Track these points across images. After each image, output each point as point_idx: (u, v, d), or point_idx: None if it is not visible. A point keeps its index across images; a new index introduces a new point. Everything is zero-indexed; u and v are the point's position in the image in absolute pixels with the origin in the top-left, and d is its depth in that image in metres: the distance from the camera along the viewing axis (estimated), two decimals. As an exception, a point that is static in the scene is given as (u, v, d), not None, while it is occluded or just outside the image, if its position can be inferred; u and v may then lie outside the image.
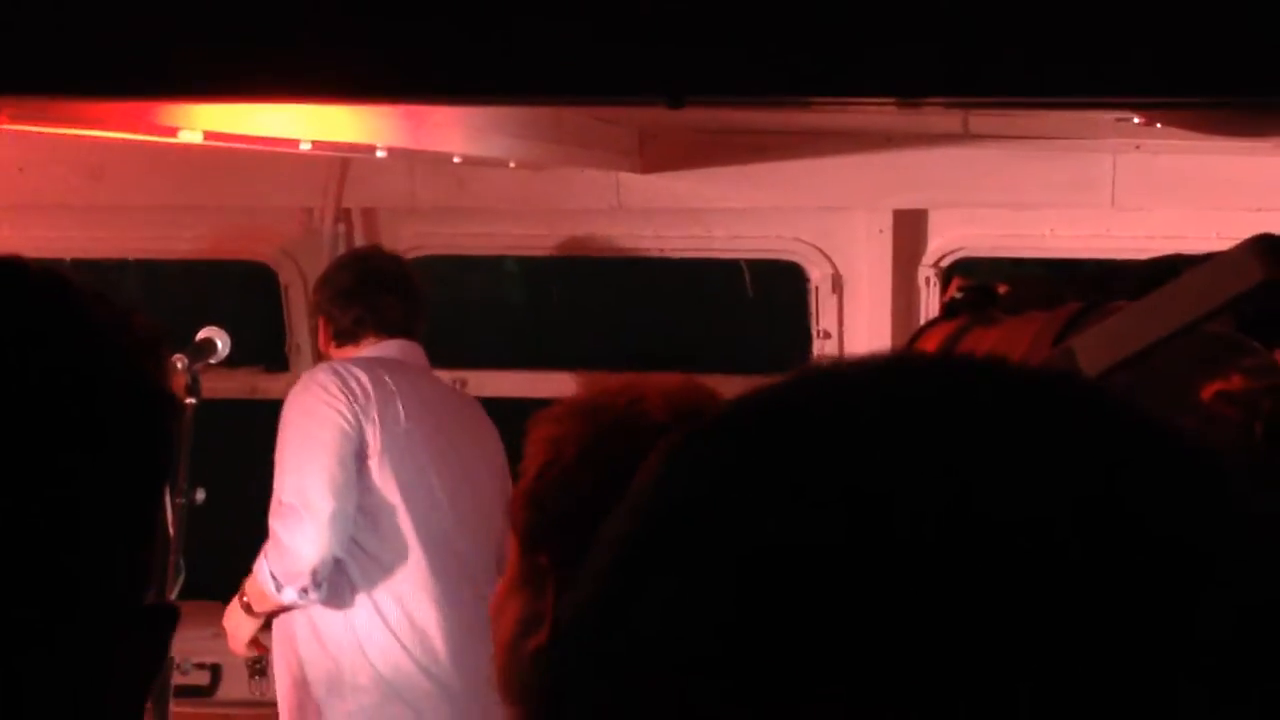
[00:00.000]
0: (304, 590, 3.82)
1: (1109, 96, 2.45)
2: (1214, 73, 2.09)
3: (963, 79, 2.13)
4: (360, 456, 3.92)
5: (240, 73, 2.09)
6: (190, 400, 3.95)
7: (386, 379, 4.01)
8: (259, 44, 2.05)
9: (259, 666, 4.24)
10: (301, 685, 4.00)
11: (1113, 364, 2.18)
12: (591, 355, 5.14)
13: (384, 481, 3.95)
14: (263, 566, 3.87)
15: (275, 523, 3.84)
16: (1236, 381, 2.19)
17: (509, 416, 5.06)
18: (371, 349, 4.13)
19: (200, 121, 2.81)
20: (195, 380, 4.00)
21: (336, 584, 3.93)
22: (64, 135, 3.43)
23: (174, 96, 2.36)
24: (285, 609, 3.94)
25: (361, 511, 3.91)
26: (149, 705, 1.02)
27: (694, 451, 0.65)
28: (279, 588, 3.83)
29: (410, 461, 3.98)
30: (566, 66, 1.75)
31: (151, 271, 5.34)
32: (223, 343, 3.95)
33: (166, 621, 1.02)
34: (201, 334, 4.09)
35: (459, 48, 1.84)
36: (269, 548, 3.86)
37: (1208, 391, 2.17)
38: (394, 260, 4.37)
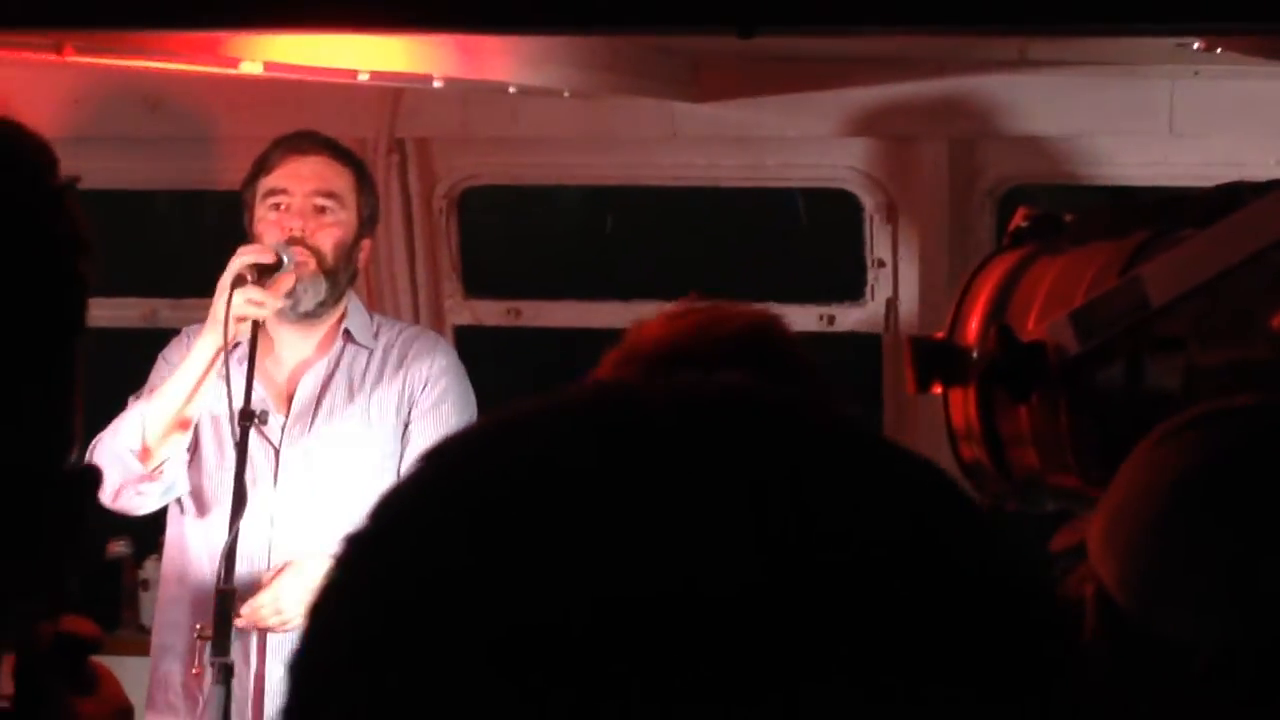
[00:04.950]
0: None
1: (1173, 23, 2.43)
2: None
3: (1024, 7, 2.12)
4: None
5: (305, 2, 2.09)
6: (254, 318, 3.77)
7: None
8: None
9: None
10: None
11: (1181, 293, 2.17)
12: (645, 285, 5.15)
13: None
14: None
15: None
16: (1305, 310, 2.18)
17: (562, 347, 5.08)
18: None
19: (261, 52, 2.81)
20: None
21: None
22: (121, 67, 3.43)
23: (239, 26, 2.37)
24: None
25: None
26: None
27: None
28: None
29: None
30: (639, -4, 1.74)
31: (208, 201, 5.36)
32: (288, 258, 3.88)
33: (88, 485, 1.00)
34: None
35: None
36: None
37: (1277, 320, 2.16)
38: None
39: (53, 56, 2.46)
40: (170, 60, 2.87)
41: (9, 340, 0.94)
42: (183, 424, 3.83)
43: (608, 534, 0.60)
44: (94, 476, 0.99)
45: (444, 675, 0.59)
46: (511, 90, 4.08)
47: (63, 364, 0.97)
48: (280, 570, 3.80)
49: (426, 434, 3.91)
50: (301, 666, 0.64)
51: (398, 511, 0.65)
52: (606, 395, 0.67)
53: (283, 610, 3.77)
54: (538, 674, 0.58)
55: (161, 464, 3.83)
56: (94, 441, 3.75)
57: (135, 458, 3.80)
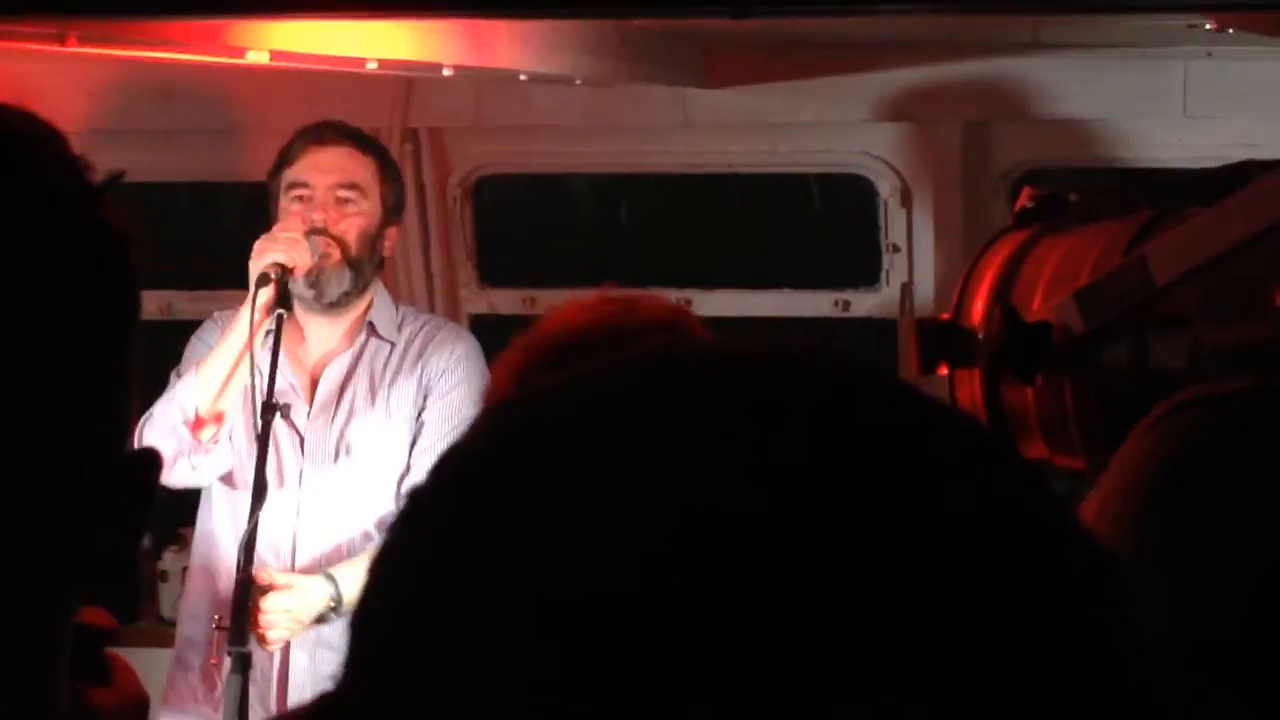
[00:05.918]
0: None
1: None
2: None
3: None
4: None
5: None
6: (280, 311, 3.79)
7: None
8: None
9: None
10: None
11: (1185, 271, 2.16)
12: (659, 272, 5.14)
13: None
14: None
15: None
16: (1311, 287, 2.17)
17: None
18: None
19: (267, 41, 2.81)
20: (285, 289, 3.82)
21: None
22: (131, 58, 3.43)
23: (243, 13, 2.37)
24: None
25: None
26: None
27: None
28: None
29: None
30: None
31: (223, 192, 5.37)
32: (313, 249, 3.88)
33: (149, 467, 1.01)
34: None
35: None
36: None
37: (1282, 297, 2.15)
38: None
39: (56, 47, 2.46)
40: (175, 50, 2.87)
41: (75, 334, 0.96)
42: (217, 417, 3.84)
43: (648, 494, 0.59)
44: (155, 459, 1.01)
45: (502, 633, 0.59)
46: (522, 78, 4.07)
47: (121, 354, 0.99)
48: (276, 585, 3.77)
49: (436, 421, 3.91)
50: (364, 622, 0.65)
51: (454, 470, 0.66)
52: (666, 355, 0.67)
53: (273, 625, 3.76)
54: (595, 635, 0.58)
55: (215, 434, 3.84)
56: (144, 417, 3.76)
57: (187, 429, 3.81)
